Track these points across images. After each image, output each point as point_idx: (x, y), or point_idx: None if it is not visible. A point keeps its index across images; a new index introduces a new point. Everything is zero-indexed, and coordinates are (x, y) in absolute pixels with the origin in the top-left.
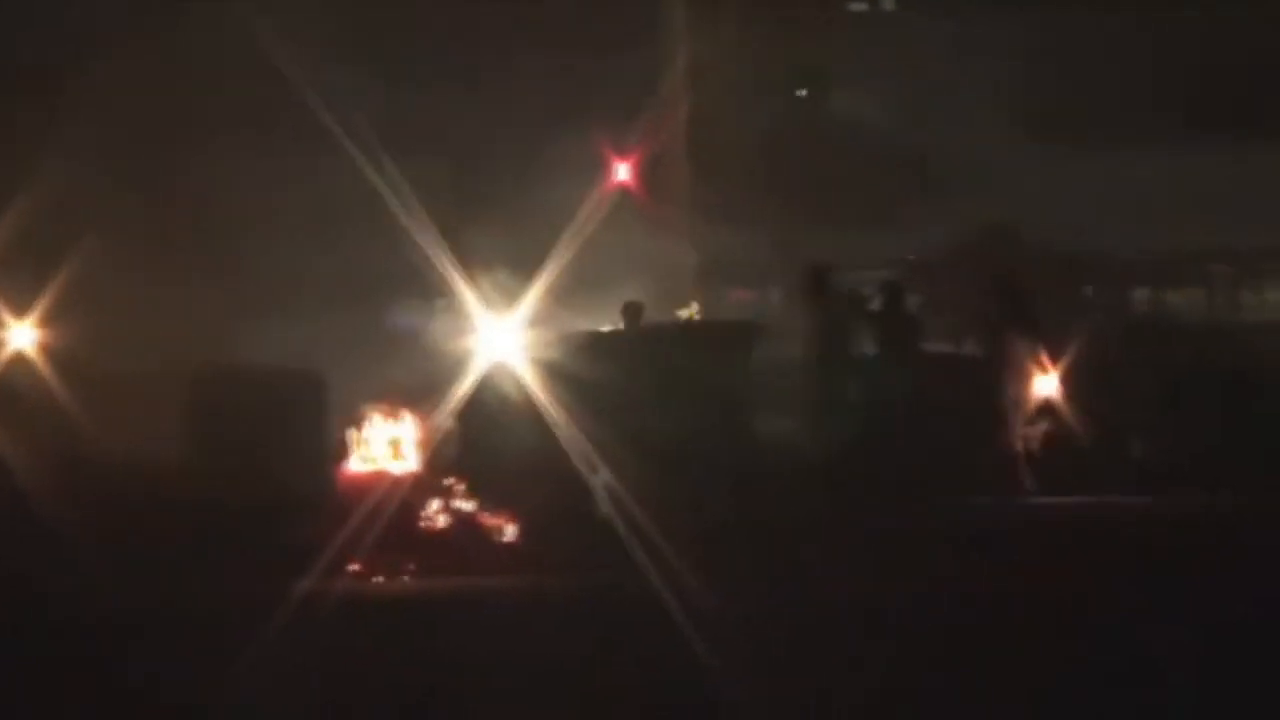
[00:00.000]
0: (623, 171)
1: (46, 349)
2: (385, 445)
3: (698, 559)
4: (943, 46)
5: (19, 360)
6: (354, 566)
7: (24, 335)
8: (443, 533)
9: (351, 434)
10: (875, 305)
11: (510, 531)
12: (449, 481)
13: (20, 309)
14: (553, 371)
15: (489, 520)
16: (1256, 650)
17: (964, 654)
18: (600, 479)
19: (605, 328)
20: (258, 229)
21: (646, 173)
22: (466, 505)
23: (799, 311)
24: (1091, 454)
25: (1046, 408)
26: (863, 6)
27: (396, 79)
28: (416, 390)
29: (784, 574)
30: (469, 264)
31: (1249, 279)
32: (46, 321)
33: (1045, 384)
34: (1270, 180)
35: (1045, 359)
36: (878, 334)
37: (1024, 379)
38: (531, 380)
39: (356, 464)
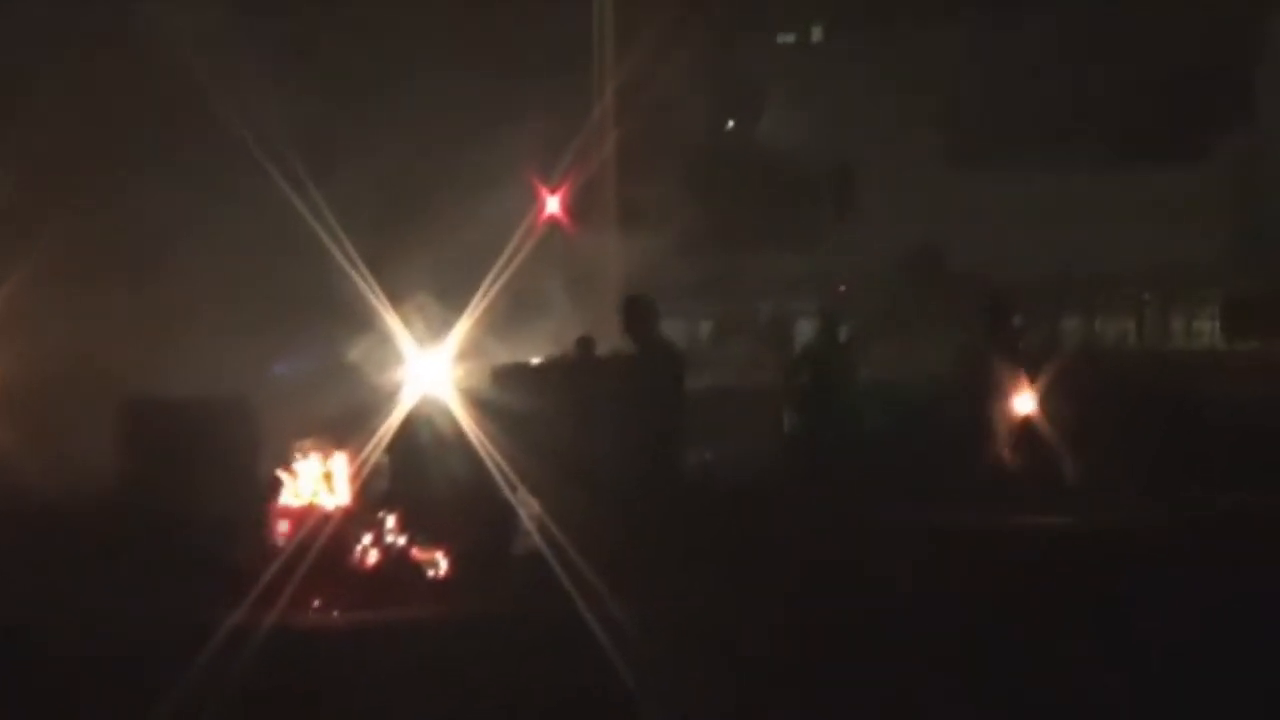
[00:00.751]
0: (553, 204)
1: None
2: (316, 479)
3: (626, 586)
4: (870, 76)
5: None
6: (283, 600)
7: None
8: (374, 567)
9: (281, 467)
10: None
11: (442, 565)
12: (380, 515)
13: None
14: (482, 403)
15: (420, 554)
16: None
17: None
18: (529, 510)
19: (535, 359)
20: (180, 252)
21: (576, 204)
22: (398, 539)
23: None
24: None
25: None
26: (790, 38)
27: (324, 103)
28: (347, 422)
29: (711, 600)
30: (398, 293)
31: (1172, 302)
32: None
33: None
34: (1191, 202)
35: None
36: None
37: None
38: (461, 412)
39: (286, 498)
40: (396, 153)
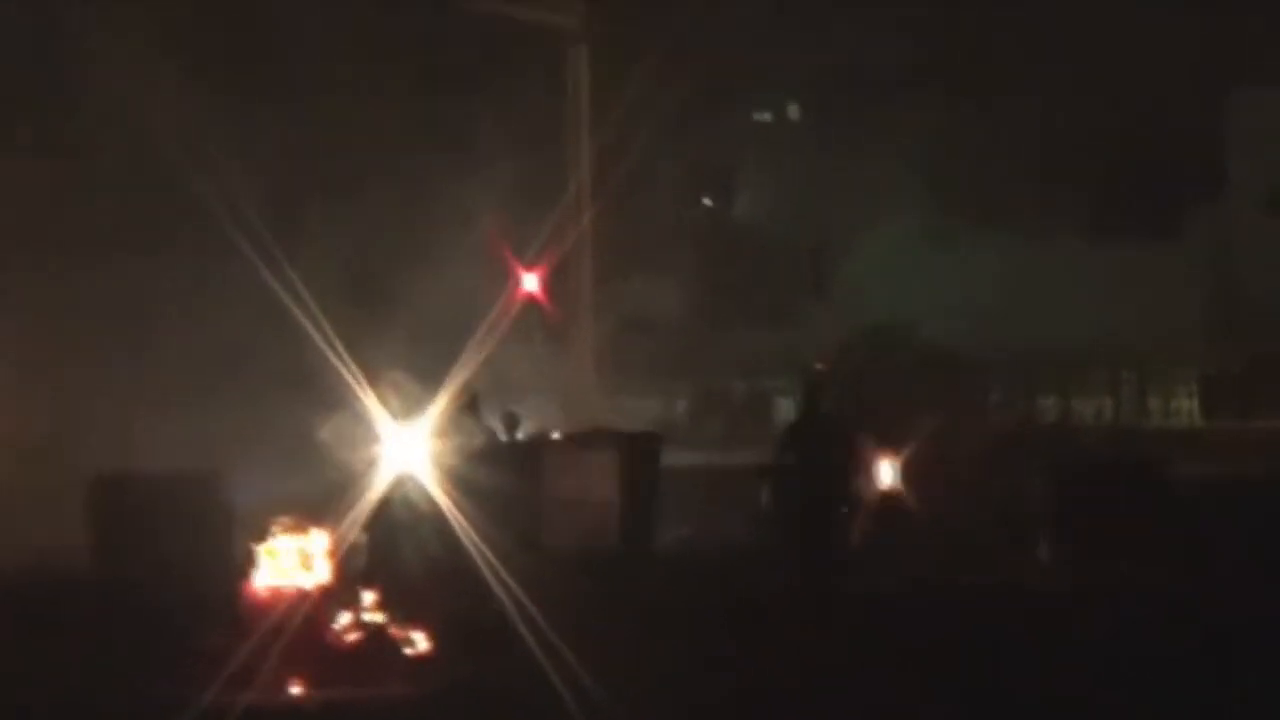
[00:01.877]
0: (530, 282)
1: None
2: (292, 556)
3: (600, 659)
4: (846, 153)
5: None
6: (260, 678)
7: None
8: (352, 645)
9: (257, 545)
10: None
11: (421, 642)
12: (358, 593)
13: None
14: (458, 481)
15: (399, 632)
16: None
17: None
18: (503, 584)
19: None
20: (156, 330)
21: (552, 282)
22: (376, 617)
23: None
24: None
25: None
26: (767, 116)
27: (300, 181)
28: (323, 499)
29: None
30: (374, 371)
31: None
32: None
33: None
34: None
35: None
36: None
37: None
38: (436, 489)
39: (263, 575)
40: (370, 231)
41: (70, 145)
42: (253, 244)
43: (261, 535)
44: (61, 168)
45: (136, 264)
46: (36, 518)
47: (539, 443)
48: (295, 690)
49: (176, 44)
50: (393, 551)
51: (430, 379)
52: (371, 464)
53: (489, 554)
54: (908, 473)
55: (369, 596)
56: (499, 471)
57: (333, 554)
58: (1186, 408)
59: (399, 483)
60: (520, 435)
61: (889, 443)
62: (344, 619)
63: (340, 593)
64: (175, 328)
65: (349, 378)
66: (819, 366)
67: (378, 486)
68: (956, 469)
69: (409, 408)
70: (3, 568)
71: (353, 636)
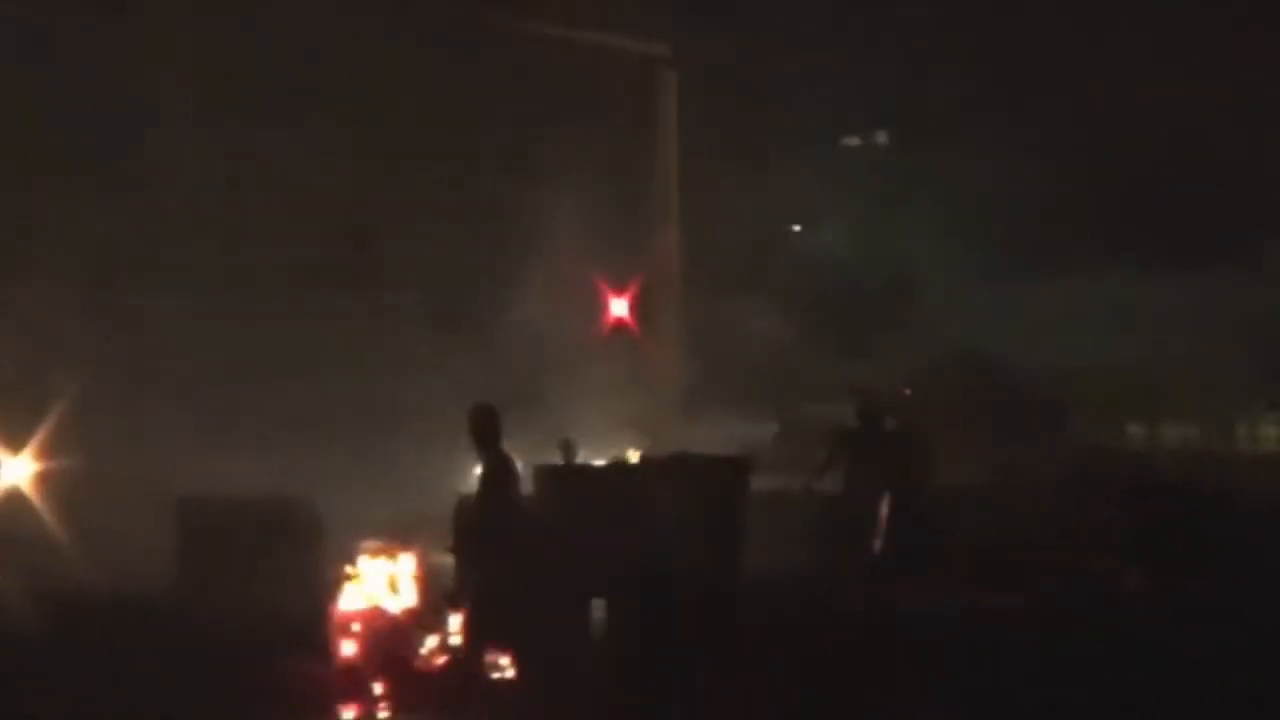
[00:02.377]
0: (619, 307)
1: (38, 483)
2: (380, 580)
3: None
4: (931, 181)
5: (13, 495)
6: (348, 703)
7: (17, 470)
8: (438, 669)
9: (347, 568)
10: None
11: (507, 667)
12: (446, 616)
13: (13, 444)
14: (549, 505)
15: (487, 656)
16: None
17: None
18: (596, 611)
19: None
20: (250, 364)
21: (641, 307)
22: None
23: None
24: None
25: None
26: (855, 141)
27: (391, 212)
28: (413, 523)
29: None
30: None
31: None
32: (39, 455)
33: None
34: (1235, 306)
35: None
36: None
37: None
38: (527, 513)
39: (351, 599)
40: (462, 260)
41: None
42: (344, 275)
43: (352, 557)
44: (164, 207)
45: (234, 297)
46: (131, 542)
47: (620, 469)
48: (381, 714)
49: (275, 77)
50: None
51: (520, 405)
52: (462, 487)
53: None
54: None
55: (455, 620)
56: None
57: (419, 578)
58: (1275, 435)
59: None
60: (577, 461)
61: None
62: (430, 642)
63: (427, 616)
64: (272, 361)
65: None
66: (906, 391)
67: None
68: (1039, 494)
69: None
70: (96, 591)
71: (439, 660)
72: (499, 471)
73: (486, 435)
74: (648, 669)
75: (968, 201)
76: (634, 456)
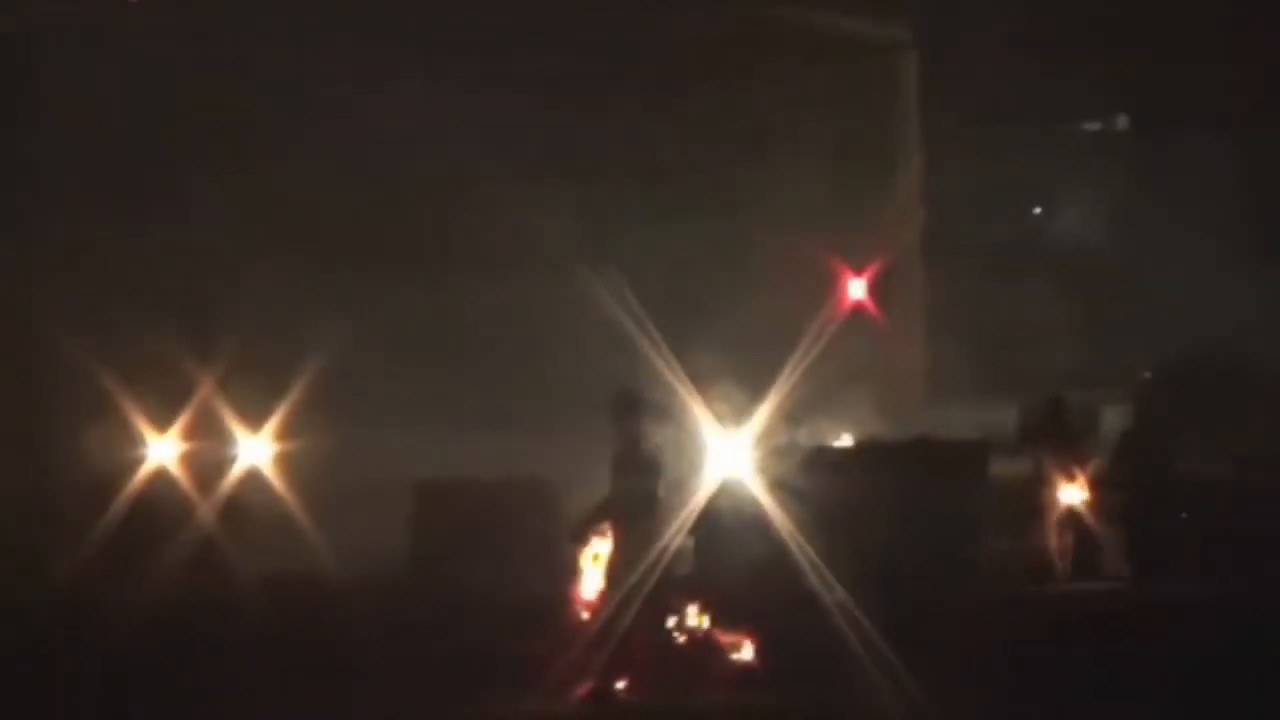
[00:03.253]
0: (857, 288)
1: (278, 464)
2: None
3: (930, 681)
4: (1176, 167)
5: (252, 476)
6: (584, 686)
7: (257, 450)
8: (678, 651)
9: (585, 551)
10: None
11: (747, 650)
12: (684, 599)
13: (253, 423)
14: (782, 487)
15: (725, 639)
16: None
17: None
18: (835, 597)
19: (837, 442)
20: (488, 345)
21: (880, 289)
22: (702, 623)
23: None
24: None
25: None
26: (1096, 126)
27: (620, 191)
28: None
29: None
30: (698, 379)
31: None
32: (278, 436)
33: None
34: None
35: None
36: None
37: None
38: (763, 496)
39: (590, 581)
40: (698, 235)
41: (387, 159)
42: (574, 256)
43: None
44: (378, 182)
45: (465, 277)
46: (365, 525)
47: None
48: (621, 696)
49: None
50: (719, 558)
51: (754, 386)
52: (698, 470)
53: (819, 566)
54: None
55: (694, 602)
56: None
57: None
58: None
59: (725, 490)
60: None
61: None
62: (669, 624)
63: (666, 597)
64: (501, 341)
65: (677, 386)
66: (1146, 375)
67: (705, 493)
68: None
69: (736, 415)
70: (335, 575)
71: (678, 642)
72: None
73: (629, 420)
74: (889, 653)
75: (1216, 187)
76: (845, 441)
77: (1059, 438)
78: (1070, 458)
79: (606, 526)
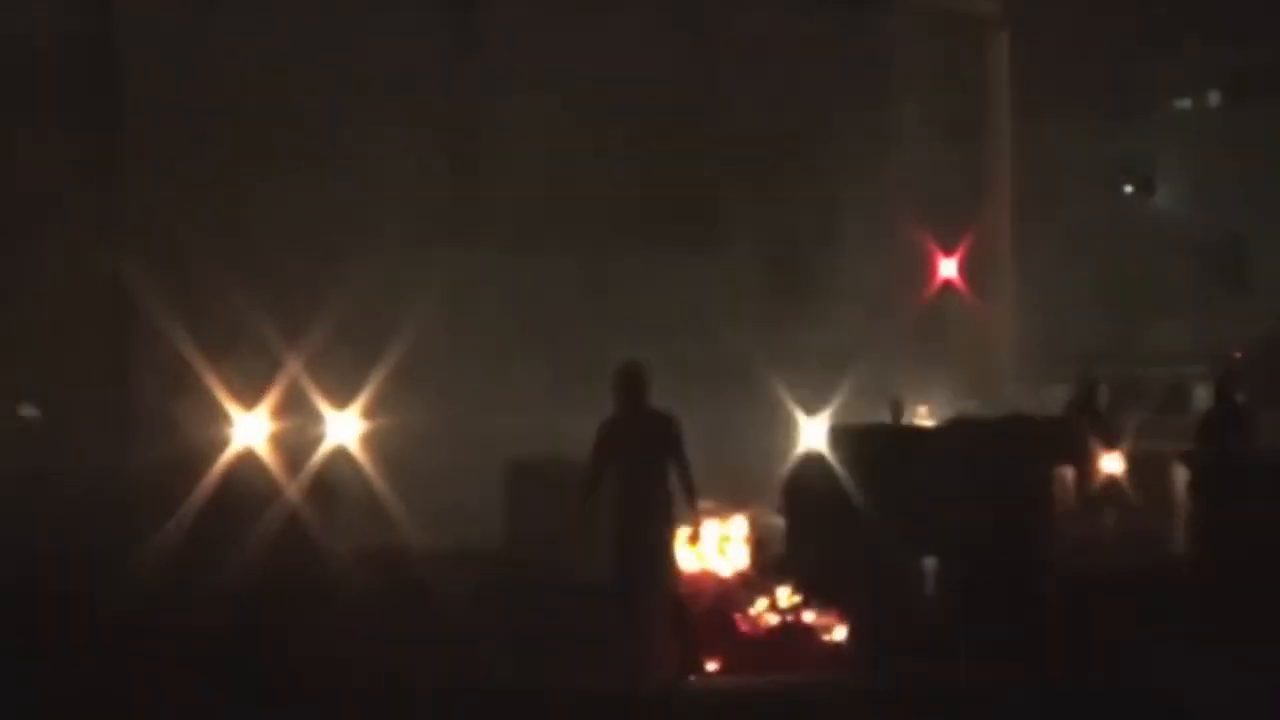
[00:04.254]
0: (949, 267)
1: (366, 441)
2: (712, 542)
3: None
4: (1265, 144)
5: (339, 453)
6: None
7: (345, 428)
8: (768, 631)
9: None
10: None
11: (839, 630)
12: (776, 579)
13: (341, 401)
14: (872, 466)
15: (817, 619)
16: None
17: None
18: (928, 571)
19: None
20: (583, 325)
21: (971, 268)
22: (794, 603)
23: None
24: None
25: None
26: (1187, 103)
27: (718, 172)
28: (747, 485)
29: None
30: (785, 359)
31: None
32: (366, 413)
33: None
34: None
35: None
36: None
37: None
38: (853, 475)
39: (685, 561)
40: (791, 222)
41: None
42: (668, 237)
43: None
44: (462, 162)
45: (566, 256)
46: (461, 504)
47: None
48: (711, 676)
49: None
50: (811, 537)
51: (844, 364)
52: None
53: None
54: None
55: (786, 583)
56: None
57: (750, 540)
58: None
59: (817, 469)
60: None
61: None
62: (760, 604)
63: (758, 579)
64: (604, 323)
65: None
66: (1236, 355)
67: (796, 473)
68: None
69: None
70: (428, 551)
71: (769, 623)
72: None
73: (632, 393)
74: (970, 628)
75: None
76: (925, 420)
77: (1093, 413)
78: (1103, 431)
79: (718, 507)
